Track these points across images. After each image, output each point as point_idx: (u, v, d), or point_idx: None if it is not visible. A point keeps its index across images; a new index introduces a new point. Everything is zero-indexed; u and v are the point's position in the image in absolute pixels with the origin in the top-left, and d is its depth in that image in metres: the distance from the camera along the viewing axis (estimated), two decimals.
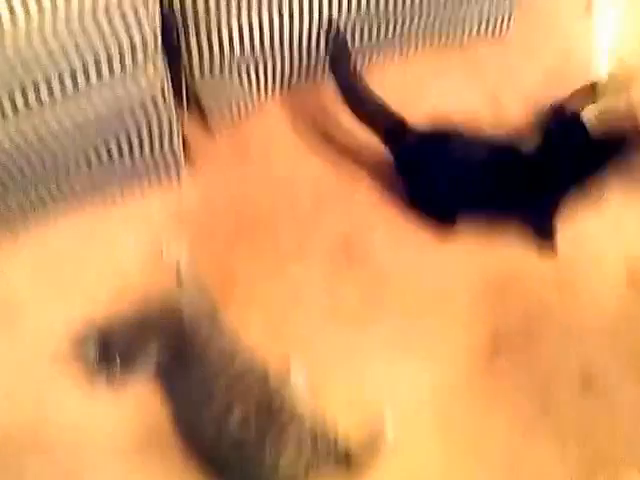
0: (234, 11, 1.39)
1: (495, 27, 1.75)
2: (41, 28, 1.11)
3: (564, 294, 1.58)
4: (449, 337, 1.53)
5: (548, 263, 1.59)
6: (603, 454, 1.43)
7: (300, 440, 1.31)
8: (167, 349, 1.30)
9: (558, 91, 1.60)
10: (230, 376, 1.33)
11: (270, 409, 1.32)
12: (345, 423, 1.40)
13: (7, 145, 1.24)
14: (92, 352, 1.28)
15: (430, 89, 1.74)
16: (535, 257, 1.59)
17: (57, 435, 1.40)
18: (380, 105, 1.55)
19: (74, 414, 1.41)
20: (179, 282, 1.50)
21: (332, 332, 1.51)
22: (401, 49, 1.72)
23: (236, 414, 1.29)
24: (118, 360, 1.26)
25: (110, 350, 1.27)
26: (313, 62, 1.64)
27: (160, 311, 1.35)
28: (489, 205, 1.56)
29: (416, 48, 1.74)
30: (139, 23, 1.20)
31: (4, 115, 1.19)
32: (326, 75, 1.64)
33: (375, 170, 1.66)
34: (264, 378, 1.37)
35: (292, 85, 1.71)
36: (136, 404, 1.39)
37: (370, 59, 1.71)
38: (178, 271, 1.52)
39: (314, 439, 1.32)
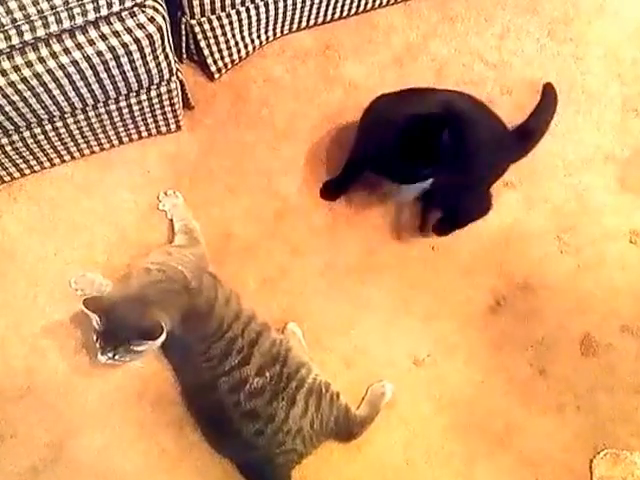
0: None
1: None
2: None
3: (566, 252, 1.56)
4: (448, 293, 1.52)
5: (549, 222, 1.57)
6: (602, 425, 1.44)
7: (306, 392, 1.32)
8: (178, 311, 1.25)
9: None
10: (242, 322, 1.32)
11: (278, 358, 1.32)
12: (343, 380, 1.42)
13: (1, 81, 1.16)
14: (95, 332, 1.22)
15: None
16: (537, 216, 1.57)
17: (49, 384, 1.40)
18: None
19: (68, 364, 1.41)
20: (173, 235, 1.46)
21: (329, 288, 1.50)
22: None
23: (253, 363, 1.29)
24: (123, 343, 1.20)
25: (114, 330, 1.20)
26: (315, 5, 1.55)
27: (164, 277, 1.28)
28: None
29: None
30: None
31: None
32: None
33: None
34: (267, 327, 1.36)
35: (293, 29, 1.62)
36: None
37: None
38: (172, 224, 1.48)
39: (318, 393, 1.33)
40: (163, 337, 1.19)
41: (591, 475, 1.41)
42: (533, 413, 1.44)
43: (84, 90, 1.28)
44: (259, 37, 1.59)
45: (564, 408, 1.45)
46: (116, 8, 1.17)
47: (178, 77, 1.42)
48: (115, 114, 1.42)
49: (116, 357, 1.22)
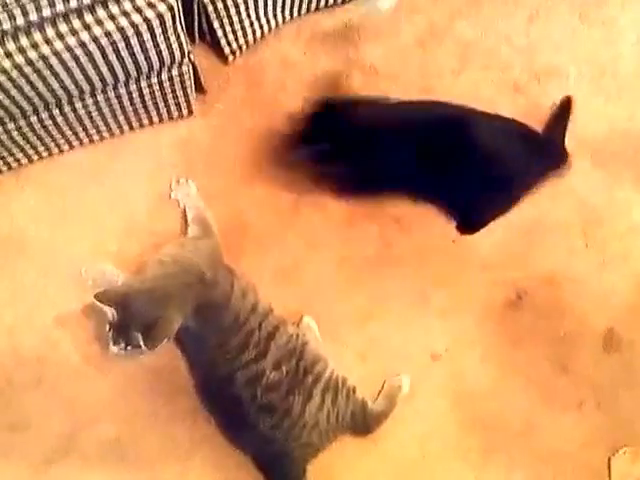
0: None
1: None
2: None
3: (591, 246, 1.51)
4: (467, 287, 1.48)
5: (575, 214, 1.52)
6: (622, 423, 1.42)
7: (323, 387, 1.30)
8: (193, 304, 1.22)
9: None
10: (259, 314, 1.29)
11: (294, 352, 1.30)
12: (359, 373, 1.39)
13: (6, 64, 1.11)
14: (109, 323, 1.19)
15: None
16: (562, 208, 1.52)
17: (62, 375, 1.38)
18: None
19: (80, 355, 1.39)
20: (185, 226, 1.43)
21: (345, 280, 1.46)
22: None
23: (270, 356, 1.27)
24: (138, 336, 1.16)
25: (127, 323, 1.17)
26: None
27: (179, 269, 1.26)
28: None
29: None
30: None
31: (3, 31, 1.08)
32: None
33: None
34: (283, 321, 1.34)
35: (311, 9, 1.55)
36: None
37: None
38: (184, 214, 1.44)
39: (335, 388, 1.32)
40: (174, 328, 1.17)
41: (610, 473, 1.39)
42: (552, 409, 1.42)
43: (92, 73, 1.23)
44: (275, 17, 1.53)
45: (584, 405, 1.43)
46: None
47: (190, 59, 1.37)
48: (125, 98, 1.37)
49: (128, 349, 1.19)
